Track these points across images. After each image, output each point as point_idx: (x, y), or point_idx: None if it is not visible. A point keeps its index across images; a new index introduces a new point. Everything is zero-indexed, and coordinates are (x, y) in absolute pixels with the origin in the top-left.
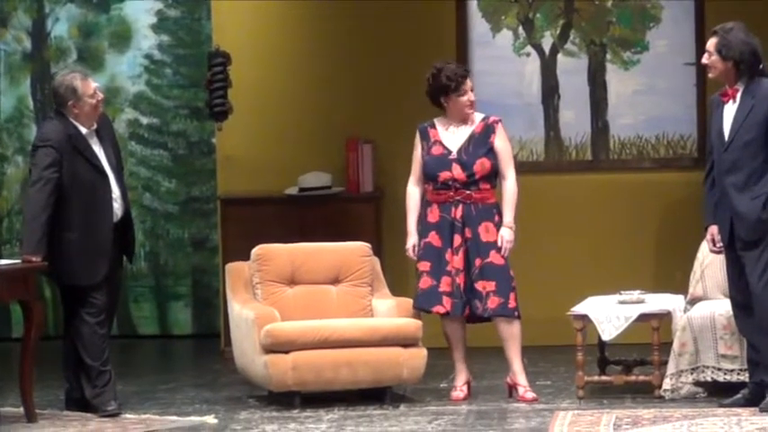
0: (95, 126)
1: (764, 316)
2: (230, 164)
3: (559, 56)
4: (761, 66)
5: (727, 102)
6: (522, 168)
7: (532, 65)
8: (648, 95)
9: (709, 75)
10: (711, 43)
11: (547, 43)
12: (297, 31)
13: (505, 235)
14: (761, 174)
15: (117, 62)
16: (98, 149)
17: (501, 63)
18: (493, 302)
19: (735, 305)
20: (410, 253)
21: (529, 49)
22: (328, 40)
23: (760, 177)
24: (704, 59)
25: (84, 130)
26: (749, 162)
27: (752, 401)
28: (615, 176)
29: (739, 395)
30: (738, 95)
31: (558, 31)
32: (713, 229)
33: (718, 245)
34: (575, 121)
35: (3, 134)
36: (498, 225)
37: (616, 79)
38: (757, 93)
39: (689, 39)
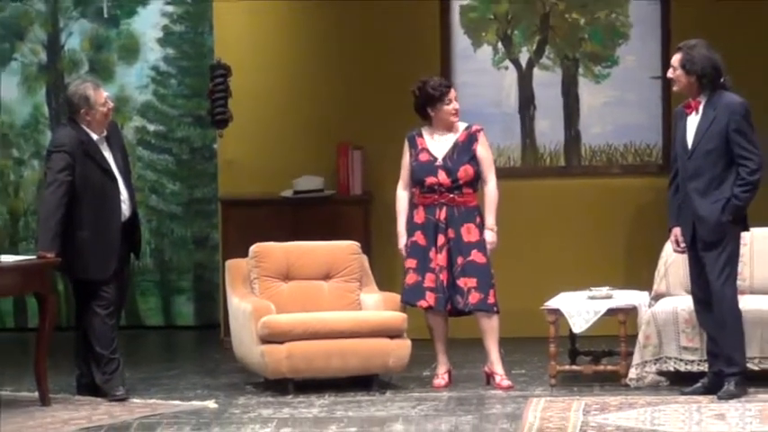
0: (105, 133)
1: (722, 311)
2: (230, 168)
3: (535, 69)
4: (722, 80)
5: (691, 113)
6: (500, 173)
7: (510, 77)
8: (617, 107)
9: (674, 88)
10: (676, 59)
11: (524, 58)
12: (292, 45)
13: (488, 237)
14: (721, 180)
15: (126, 73)
16: (108, 154)
17: (481, 76)
18: (474, 298)
19: (696, 301)
20: (403, 252)
21: (507, 63)
22: (321, 55)
23: (720, 183)
24: (669, 74)
25: (95, 137)
26: (710, 169)
27: (711, 390)
28: (586, 181)
29: (699, 384)
30: (701, 107)
31: (534, 47)
32: (677, 231)
33: (681, 245)
34: (549, 129)
35: (20, 139)
36: (479, 226)
37: (587, 91)
38: (718, 105)
39: (655, 54)
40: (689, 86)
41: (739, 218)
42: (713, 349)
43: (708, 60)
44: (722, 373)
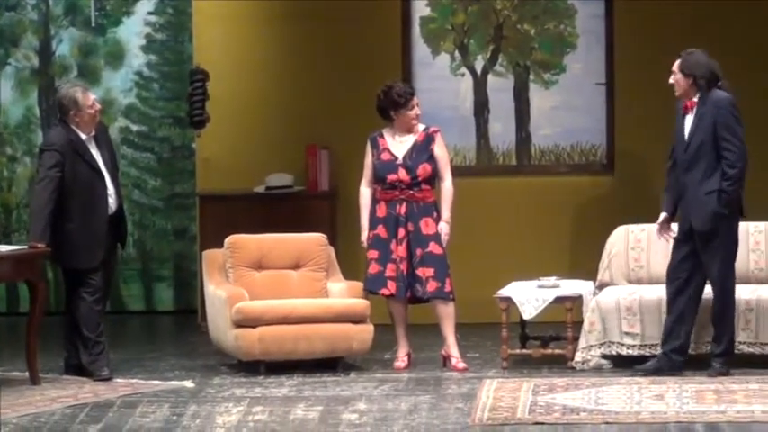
0: (93, 132)
1: (723, 298)
2: (207, 165)
3: (489, 76)
4: (719, 83)
5: (687, 113)
6: (456, 172)
7: (466, 83)
8: (565, 111)
9: (676, 93)
10: (675, 64)
11: (479, 65)
12: (265, 52)
13: (444, 229)
14: (713, 170)
15: (111, 78)
16: (95, 153)
17: (440, 82)
18: (431, 286)
19: (670, 283)
20: (365, 245)
21: (463, 70)
22: (292, 62)
23: (712, 174)
24: (671, 80)
25: (83, 136)
26: (702, 160)
27: (660, 369)
28: (536, 179)
29: (650, 363)
30: (695, 107)
31: (488, 55)
32: (665, 216)
33: (663, 229)
34: (502, 131)
35: (13, 138)
36: (437, 220)
37: (537, 96)
38: (708, 101)
39: (600, 62)
40: (687, 89)
41: (734, 208)
42: (674, 328)
43: (704, 64)
44: (681, 350)
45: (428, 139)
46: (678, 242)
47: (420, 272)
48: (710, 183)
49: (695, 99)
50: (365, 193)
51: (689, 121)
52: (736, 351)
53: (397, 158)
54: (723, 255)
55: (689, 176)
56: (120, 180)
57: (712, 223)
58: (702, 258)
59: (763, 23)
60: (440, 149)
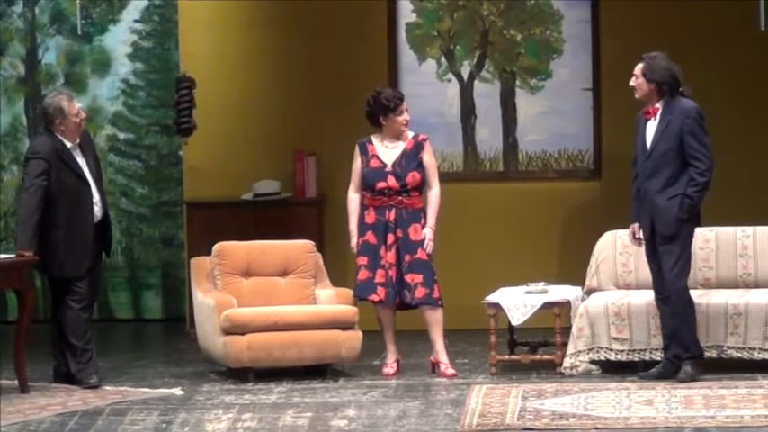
0: (79, 141)
1: (676, 301)
2: (195, 173)
3: (476, 82)
4: (680, 89)
5: (650, 119)
6: (443, 178)
7: (453, 89)
8: (552, 116)
9: (636, 95)
10: (638, 68)
11: (465, 71)
12: (252, 60)
13: (428, 234)
14: (676, 178)
15: (98, 86)
16: (81, 161)
17: (426, 88)
18: (420, 292)
19: (657, 291)
20: (355, 251)
21: (450, 76)
22: (279, 69)
23: (675, 181)
24: (632, 82)
25: (69, 144)
26: (666, 168)
27: (664, 375)
28: (523, 185)
29: (654, 369)
30: (659, 113)
31: (474, 61)
32: (635, 226)
33: (637, 238)
34: (489, 137)
35: (0, 147)
36: (425, 227)
37: (524, 102)
38: (674, 109)
39: (586, 68)
40: (649, 93)
41: (693, 215)
42: (674, 334)
43: (667, 70)
44: (678, 357)
45: (417, 146)
46: (649, 253)
47: (409, 278)
48: (673, 189)
49: (658, 105)
50: (353, 198)
51: (651, 127)
52: (724, 356)
53: (386, 165)
54: (678, 257)
55: (651, 183)
56: (104, 188)
57: (675, 227)
58: (661, 260)
59: (745, 26)
60: (428, 157)
